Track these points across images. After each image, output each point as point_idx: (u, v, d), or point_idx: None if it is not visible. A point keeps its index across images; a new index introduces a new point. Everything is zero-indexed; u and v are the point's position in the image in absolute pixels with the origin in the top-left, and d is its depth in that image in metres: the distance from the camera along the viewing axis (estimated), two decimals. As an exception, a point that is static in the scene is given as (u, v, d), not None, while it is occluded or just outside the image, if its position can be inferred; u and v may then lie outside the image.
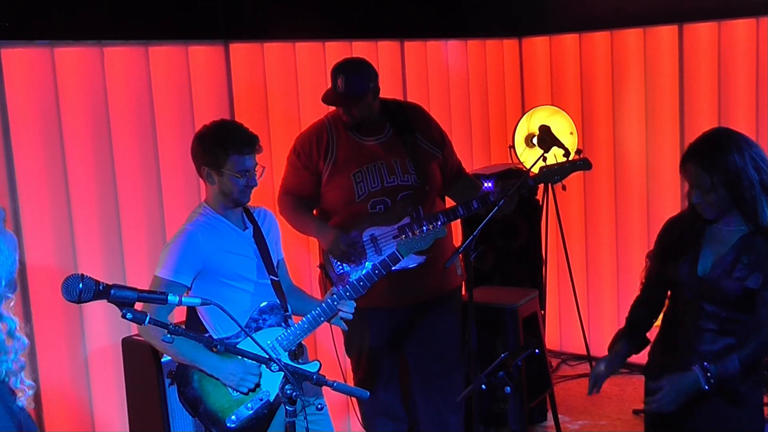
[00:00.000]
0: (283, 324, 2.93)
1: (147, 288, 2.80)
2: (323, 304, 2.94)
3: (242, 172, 2.83)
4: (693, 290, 2.65)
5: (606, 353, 2.88)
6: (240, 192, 2.86)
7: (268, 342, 2.86)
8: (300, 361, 2.96)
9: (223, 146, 2.82)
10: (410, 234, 3.12)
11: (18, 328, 1.48)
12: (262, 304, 2.92)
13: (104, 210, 3.56)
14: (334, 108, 3.69)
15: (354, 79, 3.53)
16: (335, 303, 2.94)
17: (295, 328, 2.92)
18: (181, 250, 2.82)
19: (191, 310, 2.97)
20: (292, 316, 3.02)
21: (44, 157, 3.37)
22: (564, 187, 3.48)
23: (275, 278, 2.99)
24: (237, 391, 2.80)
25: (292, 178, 3.69)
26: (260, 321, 2.89)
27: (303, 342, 3.00)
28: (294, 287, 3.18)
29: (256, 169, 2.88)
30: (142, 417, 3.40)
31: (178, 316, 3.21)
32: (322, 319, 2.94)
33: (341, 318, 2.97)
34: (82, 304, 1.96)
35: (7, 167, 3.23)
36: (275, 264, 3.03)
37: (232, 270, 2.88)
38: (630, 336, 2.85)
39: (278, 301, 2.96)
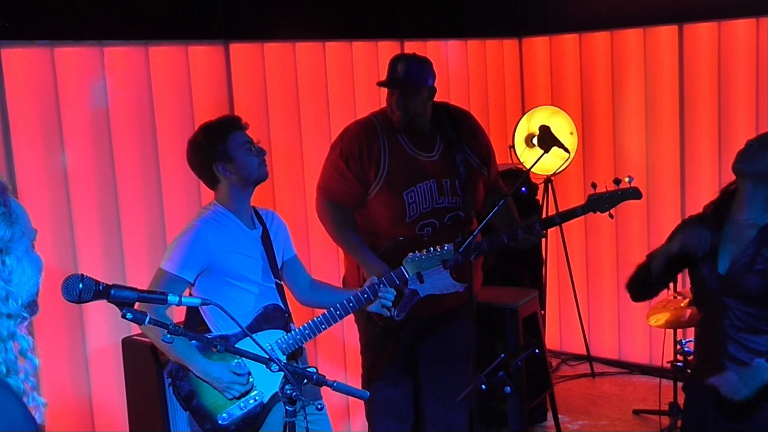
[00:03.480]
0: (283, 327, 2.94)
1: (150, 280, 2.82)
2: (326, 313, 2.95)
3: (248, 145, 2.88)
4: (716, 289, 2.65)
5: (605, 354, 2.88)
6: (259, 165, 2.89)
7: (268, 345, 2.86)
8: (299, 362, 2.96)
9: (219, 132, 2.87)
10: (418, 254, 3.12)
11: (30, 348, 1.47)
12: (265, 306, 2.92)
13: (104, 210, 3.56)
14: (327, 107, 3.64)
15: (416, 68, 3.46)
16: (349, 306, 2.95)
17: (296, 333, 2.92)
18: (189, 245, 2.83)
19: (192, 308, 2.97)
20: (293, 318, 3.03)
21: (44, 157, 3.37)
22: (612, 216, 3.42)
23: (279, 281, 3.00)
24: (222, 394, 2.81)
25: (337, 185, 3.53)
26: (261, 323, 2.90)
27: (303, 345, 3.00)
28: (316, 282, 3.19)
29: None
30: (142, 417, 3.40)
31: (178, 313, 3.21)
32: (323, 326, 2.94)
33: (376, 311, 3.01)
34: (82, 304, 1.96)
35: (7, 167, 3.23)
36: (281, 265, 3.04)
37: (238, 270, 2.88)
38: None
39: (281, 305, 2.96)
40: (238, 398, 2.82)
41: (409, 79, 3.44)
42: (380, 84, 3.56)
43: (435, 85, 3.56)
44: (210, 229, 2.85)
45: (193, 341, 2.70)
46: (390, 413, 3.80)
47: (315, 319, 2.93)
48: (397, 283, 3.02)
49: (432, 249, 3.01)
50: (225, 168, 2.87)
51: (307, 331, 2.92)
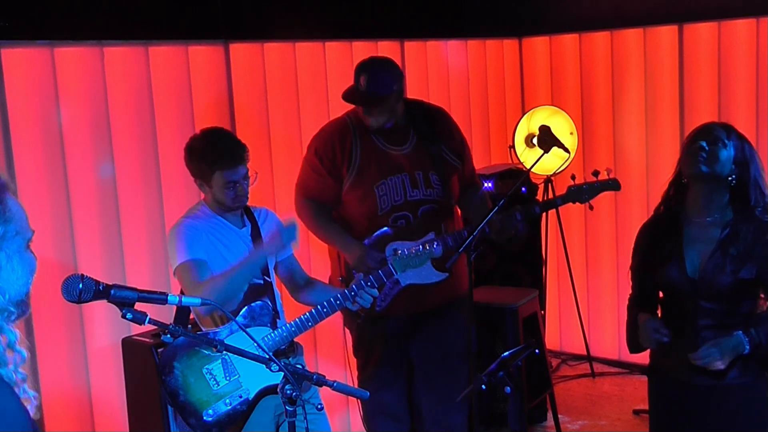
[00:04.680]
0: (270, 325, 2.94)
1: (150, 281, 2.84)
2: (313, 310, 2.95)
3: (230, 185, 2.88)
4: (687, 291, 2.66)
5: (605, 354, 2.90)
6: (231, 200, 2.91)
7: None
8: (291, 359, 2.97)
9: (207, 162, 2.88)
10: (407, 252, 3.14)
11: (18, 341, 1.49)
12: (252, 303, 2.93)
13: (104, 210, 3.56)
14: (351, 106, 3.62)
15: (377, 79, 3.45)
16: (335, 304, 2.95)
17: (281, 330, 2.92)
18: (185, 233, 2.88)
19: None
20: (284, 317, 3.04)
21: (44, 157, 3.37)
22: (591, 207, 3.44)
23: (268, 279, 3.01)
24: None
25: (313, 183, 3.58)
26: (248, 320, 2.91)
27: (297, 341, 3.01)
28: (312, 280, 3.21)
29: (249, 174, 2.92)
30: (142, 417, 3.40)
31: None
32: (309, 324, 2.95)
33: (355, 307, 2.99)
34: (82, 304, 1.96)
35: (8, 167, 3.23)
36: (274, 264, 3.04)
37: (224, 267, 2.90)
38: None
39: (269, 302, 2.97)
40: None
41: (372, 92, 3.44)
42: (344, 98, 3.53)
43: (416, 82, 3.64)
44: (199, 225, 2.91)
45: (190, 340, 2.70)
46: (386, 415, 3.81)
47: (302, 316, 2.94)
48: (384, 281, 3.03)
49: (420, 247, 3.02)
50: (203, 185, 2.93)
51: (293, 329, 2.93)
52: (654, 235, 2.79)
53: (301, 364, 2.80)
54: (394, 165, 3.53)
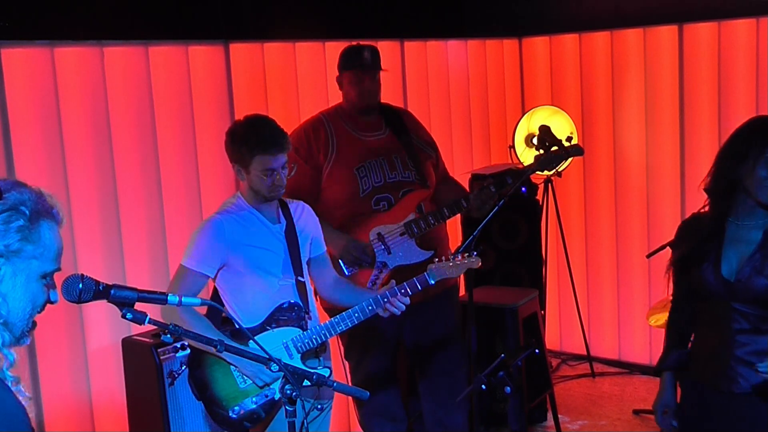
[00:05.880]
0: (300, 325, 2.93)
1: (150, 280, 2.83)
2: (344, 314, 2.93)
3: (268, 172, 2.84)
4: (722, 293, 2.57)
5: (605, 354, 2.84)
6: (268, 189, 2.87)
7: (282, 342, 2.87)
8: (321, 358, 2.97)
9: (248, 146, 2.84)
10: (416, 229, 3.37)
11: (5, 345, 1.50)
12: (282, 303, 2.92)
13: (104, 210, 3.56)
14: (328, 106, 3.79)
15: (376, 52, 3.73)
16: (367, 310, 2.92)
17: (311, 332, 2.91)
18: (206, 240, 2.85)
19: (216, 294, 2.97)
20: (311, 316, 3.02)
21: (44, 157, 3.37)
22: (560, 174, 3.55)
23: (301, 279, 2.98)
24: (252, 381, 2.82)
25: (292, 177, 3.62)
26: (278, 319, 2.90)
27: (328, 342, 3.00)
28: (340, 280, 3.20)
29: (287, 166, 2.90)
30: (142, 417, 3.40)
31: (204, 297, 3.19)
32: (340, 327, 2.93)
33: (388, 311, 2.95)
34: (82, 304, 1.96)
35: (7, 167, 3.23)
36: (306, 261, 3.03)
37: (257, 264, 2.89)
38: (678, 349, 2.75)
39: (300, 302, 2.95)
40: (269, 384, 2.82)
41: (378, 63, 3.70)
42: (359, 69, 3.65)
43: (416, 82, 3.95)
44: (228, 223, 2.87)
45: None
46: (384, 416, 3.81)
47: (332, 319, 2.93)
48: (419, 288, 2.96)
49: (460, 257, 3.01)
50: (240, 171, 2.90)
51: (323, 331, 2.92)
52: (694, 232, 2.67)
53: (329, 368, 2.81)
54: (371, 149, 3.64)
